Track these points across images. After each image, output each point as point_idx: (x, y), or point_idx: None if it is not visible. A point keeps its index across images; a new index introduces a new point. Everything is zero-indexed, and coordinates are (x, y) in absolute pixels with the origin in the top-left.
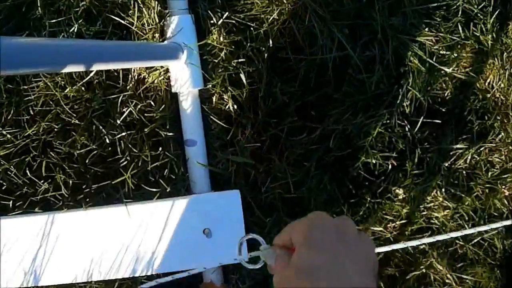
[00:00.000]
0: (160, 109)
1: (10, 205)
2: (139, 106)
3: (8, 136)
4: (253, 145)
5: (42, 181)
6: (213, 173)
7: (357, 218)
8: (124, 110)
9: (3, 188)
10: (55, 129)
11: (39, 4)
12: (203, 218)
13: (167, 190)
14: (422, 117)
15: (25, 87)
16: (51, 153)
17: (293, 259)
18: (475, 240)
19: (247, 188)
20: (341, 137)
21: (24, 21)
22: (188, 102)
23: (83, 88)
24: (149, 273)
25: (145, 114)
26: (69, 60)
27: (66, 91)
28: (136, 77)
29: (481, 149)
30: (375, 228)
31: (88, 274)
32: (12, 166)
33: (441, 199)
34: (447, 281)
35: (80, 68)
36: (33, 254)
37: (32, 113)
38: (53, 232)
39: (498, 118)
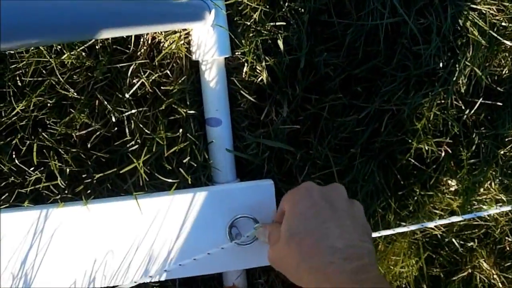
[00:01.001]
0: (179, 81)
1: None
2: (153, 77)
3: None
4: (290, 126)
5: (32, 169)
6: (240, 159)
7: (405, 212)
8: (134, 81)
9: None
10: (49, 105)
11: None
12: (229, 214)
13: (187, 180)
14: (481, 98)
15: (11, 51)
16: (43, 134)
17: (282, 229)
18: None
19: (281, 178)
20: (391, 119)
21: None
22: (212, 73)
23: (83, 54)
24: (162, 279)
25: (161, 87)
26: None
27: (63, 58)
28: (149, 41)
29: None
30: (426, 225)
31: (90, 279)
32: None
33: (494, 191)
34: (492, 281)
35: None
36: (22, 256)
37: (20, 84)
38: (46, 230)
39: None
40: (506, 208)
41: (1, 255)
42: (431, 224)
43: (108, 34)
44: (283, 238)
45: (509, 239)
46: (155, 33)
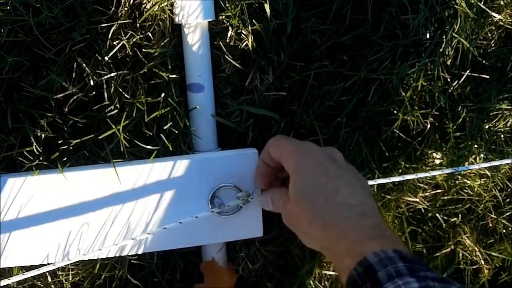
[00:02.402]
0: (161, 44)
1: None
2: (134, 39)
3: None
4: (275, 93)
5: (5, 135)
6: (222, 127)
7: (389, 185)
8: (114, 43)
9: None
10: (25, 67)
11: None
12: (211, 183)
13: (167, 148)
14: (467, 70)
15: None
16: (18, 97)
17: (290, 189)
18: (508, 213)
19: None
20: (377, 88)
21: None
22: (195, 37)
23: (62, 14)
24: (140, 252)
25: (142, 50)
26: None
27: (41, 17)
28: (131, 1)
29: None
30: (410, 199)
31: (64, 253)
32: None
33: (478, 166)
34: (475, 258)
35: None
36: None
37: None
38: (18, 199)
39: None
40: (485, 165)
41: None
42: (424, 175)
43: None
44: (293, 198)
45: (493, 216)
46: None
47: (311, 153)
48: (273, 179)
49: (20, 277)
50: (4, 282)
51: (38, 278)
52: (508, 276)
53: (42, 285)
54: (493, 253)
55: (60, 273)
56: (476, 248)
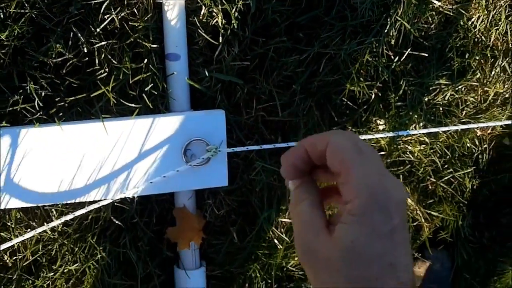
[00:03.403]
0: (144, 18)
1: None
2: (121, 14)
3: None
4: (240, 63)
5: (11, 92)
6: (194, 91)
7: None
8: (105, 17)
9: None
10: (29, 35)
11: None
12: (184, 138)
13: (148, 107)
14: (409, 49)
15: None
16: (22, 61)
17: (339, 232)
18: (446, 178)
19: (230, 109)
20: (328, 62)
21: None
22: (173, 13)
23: None
24: (123, 196)
25: (128, 23)
26: None
27: None
28: None
29: (460, 86)
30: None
31: (58, 196)
32: None
33: (418, 133)
34: (416, 217)
35: None
36: None
37: (2, 16)
38: (20, 148)
39: (477, 58)
40: (423, 131)
41: None
42: (368, 137)
43: None
44: (338, 244)
45: (432, 179)
46: None
47: (390, 204)
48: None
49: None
50: None
51: (33, 219)
52: (446, 234)
53: (36, 224)
54: (433, 213)
55: (52, 214)
56: (417, 208)
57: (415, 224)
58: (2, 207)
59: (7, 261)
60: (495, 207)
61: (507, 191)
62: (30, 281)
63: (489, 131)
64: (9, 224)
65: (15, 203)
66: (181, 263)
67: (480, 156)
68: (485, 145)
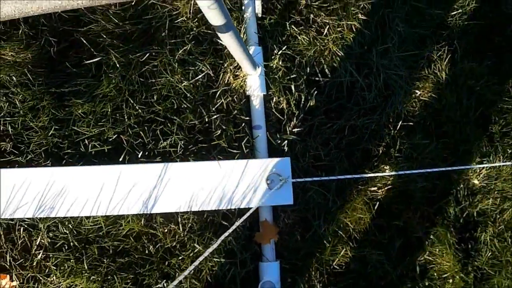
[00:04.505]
0: (240, 103)
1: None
2: (228, 100)
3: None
4: (297, 129)
5: (164, 144)
6: (270, 146)
7: (361, 181)
8: (217, 101)
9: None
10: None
11: None
12: (266, 173)
13: (244, 153)
14: (400, 121)
15: None
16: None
17: None
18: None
19: (292, 157)
20: (349, 130)
21: None
22: (256, 101)
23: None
24: (229, 207)
25: (232, 104)
26: None
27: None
28: (227, 80)
29: (439, 144)
30: (372, 188)
31: (189, 206)
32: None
33: (410, 172)
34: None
35: None
36: (150, 191)
37: None
38: (166, 176)
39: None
40: (417, 171)
41: (137, 190)
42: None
43: None
44: None
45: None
46: (229, 77)
47: None
48: None
49: None
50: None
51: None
52: None
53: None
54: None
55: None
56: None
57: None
58: (153, 212)
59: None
60: None
61: None
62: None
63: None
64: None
65: (161, 208)
66: (264, 257)
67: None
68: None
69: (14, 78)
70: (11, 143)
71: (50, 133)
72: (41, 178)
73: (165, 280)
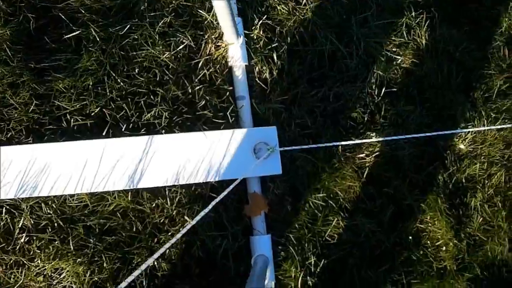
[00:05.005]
0: (223, 73)
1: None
2: (210, 71)
3: None
4: (281, 98)
5: (148, 116)
6: (255, 116)
7: (349, 149)
8: (200, 72)
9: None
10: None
11: None
12: (252, 143)
13: (230, 123)
14: (383, 88)
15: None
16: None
17: None
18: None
19: (278, 127)
20: (334, 97)
21: None
22: (239, 71)
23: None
24: (217, 179)
25: (214, 75)
26: None
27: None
28: (208, 51)
29: (423, 111)
30: (360, 155)
31: (176, 179)
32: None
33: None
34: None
35: None
36: (135, 165)
37: None
38: (152, 149)
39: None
40: (398, 137)
41: (122, 165)
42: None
43: None
44: None
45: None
46: (211, 48)
47: None
48: None
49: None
50: None
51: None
52: None
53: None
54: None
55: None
56: None
57: None
58: (139, 186)
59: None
60: None
61: None
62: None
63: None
64: None
65: (147, 183)
66: (255, 230)
67: None
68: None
69: None
70: None
71: (30, 109)
72: (23, 156)
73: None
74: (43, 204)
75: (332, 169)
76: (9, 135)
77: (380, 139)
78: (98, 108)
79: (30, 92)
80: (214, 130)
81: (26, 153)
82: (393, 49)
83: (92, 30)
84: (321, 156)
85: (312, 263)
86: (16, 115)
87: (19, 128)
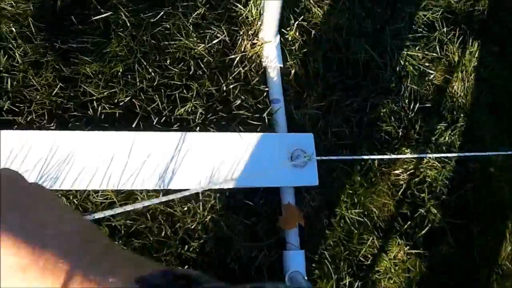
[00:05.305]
0: (258, 73)
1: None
2: (245, 69)
3: None
4: (317, 104)
5: (182, 110)
6: (290, 121)
7: (384, 162)
8: (235, 70)
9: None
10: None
11: None
12: (290, 150)
13: (267, 124)
14: (417, 103)
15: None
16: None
17: None
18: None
19: (314, 133)
20: (370, 109)
21: None
22: (274, 73)
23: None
24: (253, 186)
25: (250, 74)
26: None
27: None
28: (243, 48)
29: (455, 130)
30: (396, 171)
31: (209, 182)
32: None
33: (431, 157)
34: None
35: None
36: (166, 163)
37: None
38: (184, 147)
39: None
40: (435, 155)
41: (152, 162)
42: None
43: None
44: None
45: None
46: (246, 46)
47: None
48: None
49: None
50: None
51: None
52: None
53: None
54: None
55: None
56: None
57: None
58: (169, 187)
59: None
60: None
61: None
62: None
63: None
64: None
65: (178, 184)
66: (288, 244)
67: None
68: None
69: (14, 30)
70: (8, 101)
71: (54, 92)
72: (44, 142)
73: (186, 266)
74: (64, 198)
75: (368, 184)
76: (29, 118)
77: (416, 155)
78: (128, 98)
79: (54, 74)
80: (250, 132)
81: (48, 140)
82: (426, 64)
83: (122, 14)
84: (357, 169)
85: (347, 284)
86: (38, 97)
87: (40, 112)
